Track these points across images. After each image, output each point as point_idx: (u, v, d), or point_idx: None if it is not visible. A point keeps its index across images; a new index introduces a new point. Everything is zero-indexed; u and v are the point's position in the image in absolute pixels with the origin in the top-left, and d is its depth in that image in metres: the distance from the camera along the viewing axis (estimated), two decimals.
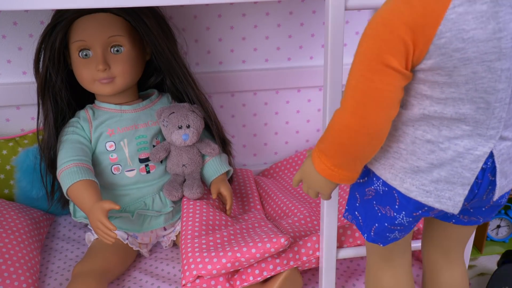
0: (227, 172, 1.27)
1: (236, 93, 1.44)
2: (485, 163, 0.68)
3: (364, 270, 1.18)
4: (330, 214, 0.99)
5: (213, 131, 1.25)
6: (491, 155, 0.68)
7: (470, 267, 1.65)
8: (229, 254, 1.01)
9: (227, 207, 1.21)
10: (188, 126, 1.17)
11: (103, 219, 1.02)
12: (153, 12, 1.16)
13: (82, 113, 1.19)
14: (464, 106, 0.64)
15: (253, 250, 1.00)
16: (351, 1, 0.85)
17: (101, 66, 1.10)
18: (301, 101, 1.49)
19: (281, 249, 1.02)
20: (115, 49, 1.13)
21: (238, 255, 1.00)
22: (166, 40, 1.17)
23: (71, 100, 1.20)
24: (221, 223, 1.15)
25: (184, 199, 1.21)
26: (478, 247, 1.70)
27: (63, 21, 1.10)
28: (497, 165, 0.69)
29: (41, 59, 1.14)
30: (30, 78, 1.32)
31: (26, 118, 1.36)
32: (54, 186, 1.25)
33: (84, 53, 1.12)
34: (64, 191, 1.10)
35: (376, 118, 0.64)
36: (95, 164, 1.17)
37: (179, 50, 1.23)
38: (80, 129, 1.17)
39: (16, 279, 1.05)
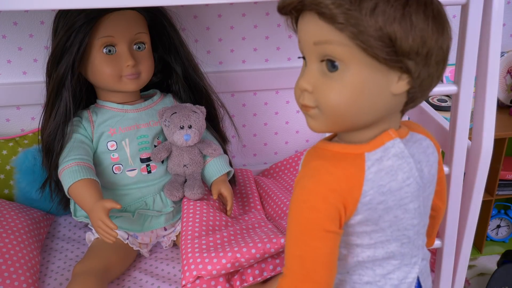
0: (228, 173, 1.27)
1: (236, 93, 1.44)
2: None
3: None
4: None
5: (217, 127, 1.28)
6: (417, 277, 0.77)
7: (470, 267, 1.65)
8: (229, 254, 1.01)
9: (228, 208, 1.21)
10: (190, 127, 1.17)
11: (105, 218, 1.01)
12: (164, 12, 1.20)
13: (84, 112, 1.19)
14: (391, 245, 0.71)
15: (253, 251, 1.00)
16: None
17: (131, 62, 1.12)
18: None
19: (281, 250, 1.02)
20: (138, 46, 1.15)
21: (238, 255, 1.00)
22: (179, 36, 1.22)
23: (78, 99, 1.20)
24: (221, 223, 1.15)
25: (184, 200, 1.21)
26: (478, 247, 1.70)
27: (93, 18, 1.09)
28: (422, 284, 0.78)
29: (63, 58, 1.11)
30: (30, 78, 1.33)
31: (26, 118, 1.36)
32: (50, 186, 1.24)
33: (108, 49, 1.12)
34: (65, 189, 1.10)
35: (328, 279, 0.67)
36: (96, 164, 1.17)
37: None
38: (82, 129, 1.17)
39: (16, 279, 1.05)
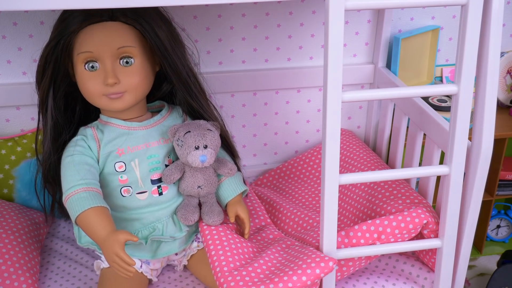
0: (243, 191, 1.18)
1: (236, 93, 1.44)
2: None
3: (364, 271, 1.18)
4: (330, 214, 0.98)
5: (225, 148, 1.20)
6: None
7: (470, 267, 1.65)
8: (280, 285, 0.95)
9: (246, 232, 1.13)
10: (206, 147, 1.07)
11: (121, 252, 0.92)
12: (164, 20, 1.07)
13: (88, 131, 1.09)
14: None
15: (304, 278, 0.96)
16: (351, 1, 0.85)
17: (110, 80, 1.01)
18: (301, 101, 1.49)
19: (329, 273, 0.99)
20: (125, 60, 1.03)
21: (290, 285, 0.95)
22: (178, 51, 1.08)
23: (73, 115, 1.13)
24: (249, 250, 1.09)
25: (204, 226, 1.12)
26: (478, 247, 1.70)
27: (70, 34, 1.01)
28: None
29: (45, 74, 1.06)
30: (30, 78, 1.32)
31: (26, 118, 1.36)
32: (52, 202, 1.20)
33: (91, 65, 1.02)
34: (73, 219, 0.99)
35: None
36: (102, 186, 1.06)
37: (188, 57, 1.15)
38: (87, 149, 1.07)
39: (16, 280, 1.05)
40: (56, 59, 1.03)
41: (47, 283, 1.14)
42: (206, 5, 1.32)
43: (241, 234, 1.16)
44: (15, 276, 1.06)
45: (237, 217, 1.15)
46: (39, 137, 1.18)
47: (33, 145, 1.19)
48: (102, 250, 0.96)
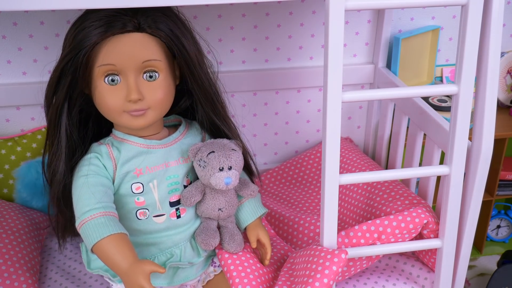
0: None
1: (236, 93, 1.44)
2: None
3: (364, 271, 1.18)
4: (330, 214, 0.98)
5: (246, 162, 1.11)
6: None
7: (470, 267, 1.65)
8: None
9: (267, 257, 1.07)
10: (230, 168, 1.01)
11: (147, 285, 0.85)
12: (186, 28, 1.00)
13: (103, 148, 1.00)
14: None
15: (325, 280, 0.95)
16: (351, 1, 0.85)
17: (134, 96, 0.93)
18: (301, 101, 1.49)
19: (345, 267, 0.99)
20: (149, 75, 0.95)
21: None
22: (203, 65, 1.02)
23: (85, 131, 1.05)
24: (269, 276, 1.07)
25: (223, 252, 1.07)
26: (478, 247, 1.70)
27: (93, 45, 0.92)
28: None
29: (59, 87, 0.97)
30: (30, 78, 1.32)
31: (26, 118, 1.36)
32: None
33: (111, 78, 0.94)
34: (89, 247, 0.90)
35: None
36: (116, 207, 0.97)
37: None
38: (102, 169, 0.98)
39: (16, 280, 1.05)
40: (75, 71, 0.94)
41: (47, 283, 1.15)
42: (206, 5, 1.32)
43: (258, 257, 1.12)
44: (15, 276, 1.06)
45: (258, 242, 1.09)
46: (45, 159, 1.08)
47: (41, 154, 1.15)
48: (123, 282, 0.88)
